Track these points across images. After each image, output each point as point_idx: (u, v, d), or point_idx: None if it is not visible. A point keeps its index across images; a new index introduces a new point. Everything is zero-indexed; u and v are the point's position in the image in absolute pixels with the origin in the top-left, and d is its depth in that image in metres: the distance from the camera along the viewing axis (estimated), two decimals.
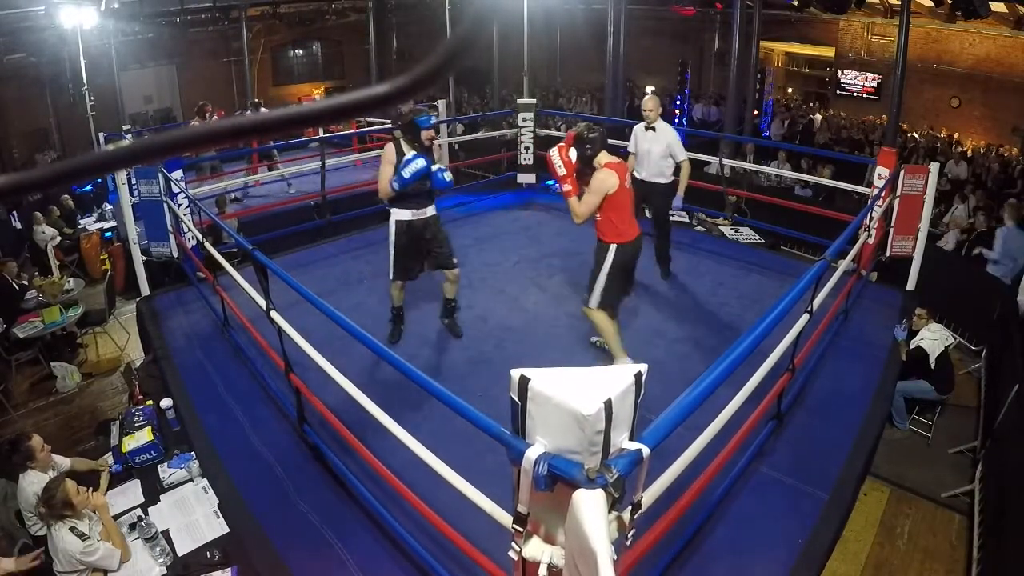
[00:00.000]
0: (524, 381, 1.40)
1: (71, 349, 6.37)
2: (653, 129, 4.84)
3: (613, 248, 3.50)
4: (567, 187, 3.38)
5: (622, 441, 1.42)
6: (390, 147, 3.78)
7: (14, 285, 6.23)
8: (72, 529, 2.62)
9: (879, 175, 5.05)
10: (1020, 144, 11.61)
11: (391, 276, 3.98)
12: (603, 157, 3.43)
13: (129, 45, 13.37)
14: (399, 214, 3.85)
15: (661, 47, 16.46)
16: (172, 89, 15.47)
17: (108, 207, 9.39)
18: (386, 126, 10.85)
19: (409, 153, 3.69)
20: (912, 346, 4.61)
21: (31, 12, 11.05)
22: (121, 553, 2.71)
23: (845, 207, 7.03)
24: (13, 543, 2.92)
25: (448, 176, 3.80)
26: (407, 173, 3.60)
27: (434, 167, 3.72)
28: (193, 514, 2.99)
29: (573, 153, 3.37)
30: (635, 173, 4.84)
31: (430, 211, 3.91)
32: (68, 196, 9.33)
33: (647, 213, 5.05)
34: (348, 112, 0.41)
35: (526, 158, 7.34)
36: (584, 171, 3.39)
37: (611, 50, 10.22)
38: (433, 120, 3.81)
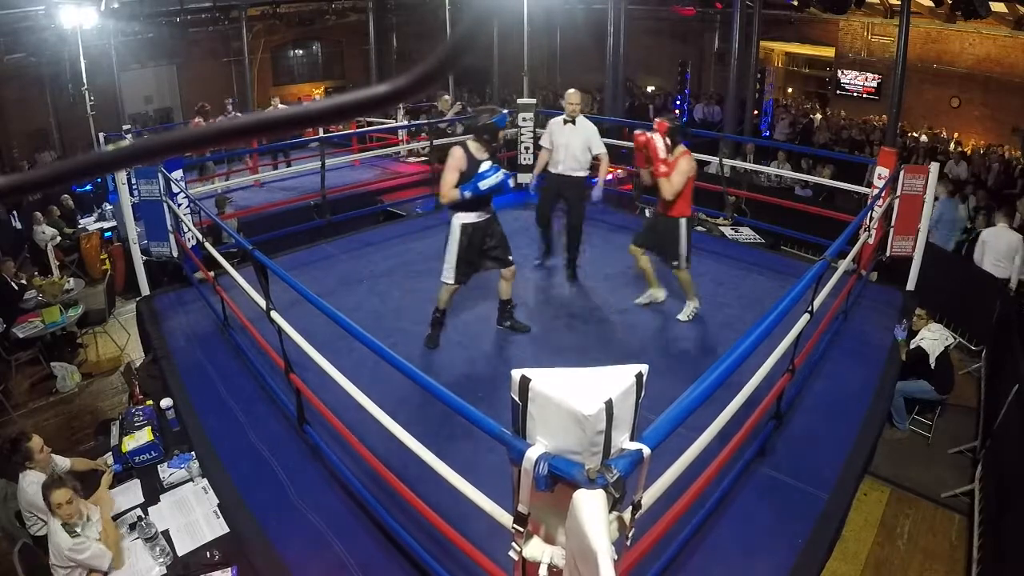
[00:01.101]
0: (525, 381, 1.40)
1: (71, 349, 6.37)
2: (573, 123, 4.87)
3: (685, 221, 4.17)
4: (664, 168, 4.01)
5: (623, 441, 1.42)
6: (459, 152, 3.72)
7: (12, 285, 6.22)
8: (65, 525, 2.62)
9: (879, 175, 5.05)
10: (1020, 144, 11.61)
11: (448, 279, 3.91)
12: (681, 146, 4.11)
13: (129, 45, 13.36)
14: (464, 218, 3.80)
15: (661, 47, 16.46)
16: (172, 89, 15.47)
17: (108, 207, 9.39)
18: (386, 126, 10.88)
19: (484, 163, 3.69)
20: (912, 346, 4.61)
21: (31, 12, 11.04)
22: (113, 559, 2.70)
23: (845, 207, 7.03)
24: (13, 543, 2.92)
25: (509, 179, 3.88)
26: (483, 186, 3.61)
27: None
28: (193, 514, 2.99)
29: (664, 141, 4.00)
30: (550, 168, 4.95)
31: (489, 212, 3.92)
32: (68, 196, 9.33)
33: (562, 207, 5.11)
34: (348, 112, 0.41)
35: (526, 158, 7.34)
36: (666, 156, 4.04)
37: (611, 50, 10.21)
38: (507, 118, 3.87)
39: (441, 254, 3.93)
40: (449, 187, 3.69)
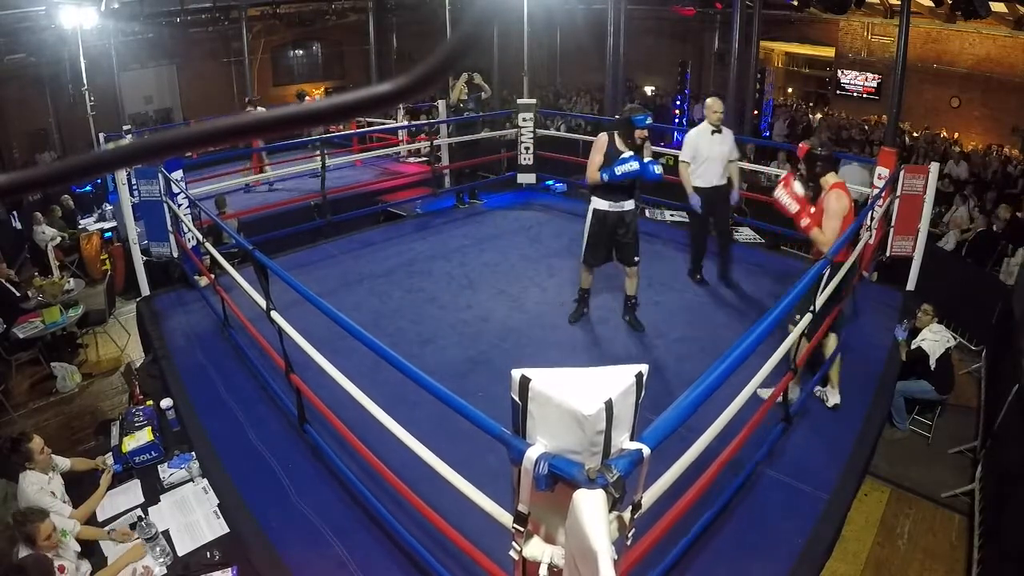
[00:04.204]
0: (525, 381, 1.40)
1: (71, 349, 6.37)
2: (719, 131, 4.68)
3: (837, 267, 3.27)
4: (805, 221, 3.33)
5: (623, 441, 1.42)
6: (603, 137, 4.00)
7: (8, 286, 6.21)
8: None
9: (879, 175, 5.05)
10: (1020, 144, 11.61)
11: (582, 259, 4.19)
12: (830, 177, 3.37)
13: (129, 45, 13.37)
14: (598, 203, 4.03)
15: (661, 47, 16.46)
16: (172, 89, 15.47)
17: (108, 207, 9.39)
18: (387, 126, 10.87)
19: (624, 151, 3.89)
20: (913, 346, 4.61)
21: (31, 12, 11.05)
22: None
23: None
24: (13, 543, 2.92)
25: (659, 169, 3.93)
26: (619, 171, 3.81)
27: (645, 159, 3.88)
28: (193, 514, 2.99)
29: (798, 186, 3.39)
30: (696, 182, 4.67)
31: (628, 205, 4.05)
32: (68, 196, 9.33)
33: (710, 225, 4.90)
34: (349, 112, 0.41)
35: (526, 158, 7.34)
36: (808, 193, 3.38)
37: (611, 50, 10.20)
38: (648, 120, 3.93)
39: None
40: (594, 168, 3.94)
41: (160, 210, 4.94)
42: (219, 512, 2.97)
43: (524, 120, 7.21)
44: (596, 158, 3.95)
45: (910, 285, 4.99)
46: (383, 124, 10.97)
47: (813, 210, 3.37)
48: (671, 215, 6.65)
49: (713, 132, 4.66)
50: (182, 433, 3.55)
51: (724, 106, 4.79)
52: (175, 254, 5.10)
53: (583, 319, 4.50)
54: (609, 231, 4.04)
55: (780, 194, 3.44)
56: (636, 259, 4.15)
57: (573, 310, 4.46)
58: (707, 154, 4.66)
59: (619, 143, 3.95)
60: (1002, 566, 3.31)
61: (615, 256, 4.16)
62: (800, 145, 3.56)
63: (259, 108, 9.42)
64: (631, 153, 3.85)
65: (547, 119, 12.62)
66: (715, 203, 4.77)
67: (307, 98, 13.73)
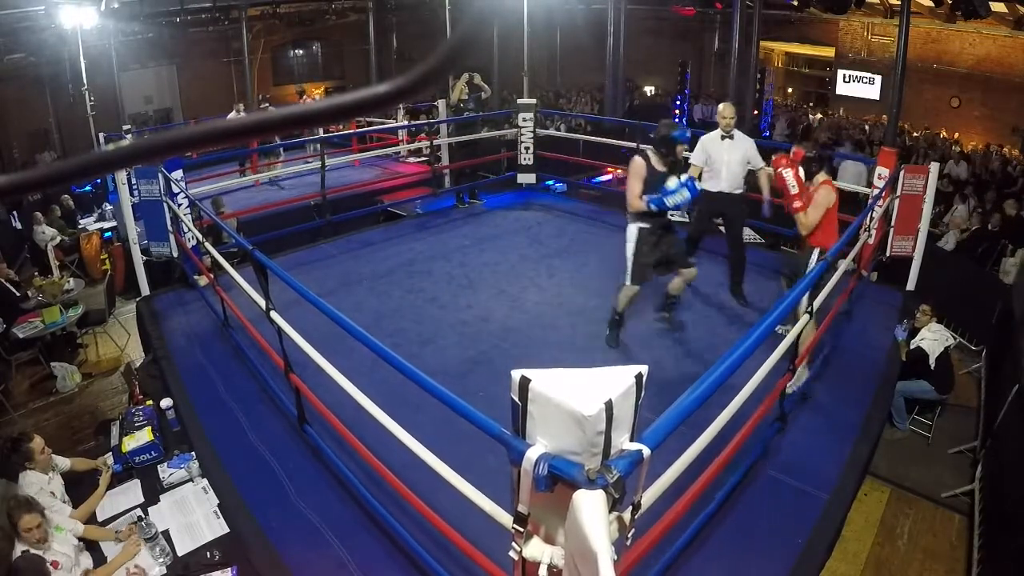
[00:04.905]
0: (525, 382, 1.40)
1: (71, 349, 6.36)
2: (731, 137, 4.61)
3: (818, 252, 3.65)
4: (798, 204, 3.71)
5: (622, 442, 1.42)
6: (638, 161, 3.80)
7: (8, 286, 6.21)
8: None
9: (879, 175, 5.05)
10: (1020, 144, 11.61)
11: (629, 281, 3.95)
12: (820, 176, 3.78)
13: (129, 45, 13.37)
14: (640, 223, 3.86)
15: (661, 47, 16.47)
16: (172, 89, 15.47)
17: (108, 207, 9.39)
18: (387, 126, 10.88)
19: (670, 178, 3.71)
20: (912, 346, 4.61)
21: (31, 12, 11.05)
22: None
23: (845, 207, 7.02)
24: (12, 543, 2.92)
25: (698, 185, 3.88)
26: (670, 202, 3.67)
27: (682, 177, 3.77)
28: (193, 514, 2.99)
29: (801, 172, 3.74)
30: (705, 186, 4.55)
31: (665, 217, 3.94)
32: (68, 196, 9.33)
33: (720, 228, 4.82)
34: (348, 112, 0.41)
35: (526, 158, 7.34)
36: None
37: (611, 50, 10.23)
38: (688, 134, 3.84)
39: (621, 258, 3.98)
40: (635, 196, 3.76)
41: (160, 210, 4.94)
42: (219, 512, 2.97)
43: (524, 120, 7.21)
44: (636, 186, 3.77)
45: (910, 285, 4.99)
46: (383, 124, 10.97)
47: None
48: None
49: (723, 138, 4.61)
50: (182, 433, 3.55)
51: (735, 111, 4.69)
52: (175, 254, 5.10)
53: (584, 319, 4.50)
54: (655, 246, 3.91)
55: (787, 174, 3.70)
56: (692, 261, 4.08)
57: (609, 334, 4.16)
58: (716, 158, 4.60)
59: (657, 163, 3.78)
60: (1002, 566, 3.31)
61: (665, 270, 4.02)
62: (795, 149, 3.85)
63: (271, 108, 9.47)
64: (677, 180, 3.70)
65: (547, 119, 12.61)
66: (722, 210, 4.70)
67: (305, 97, 13.78)
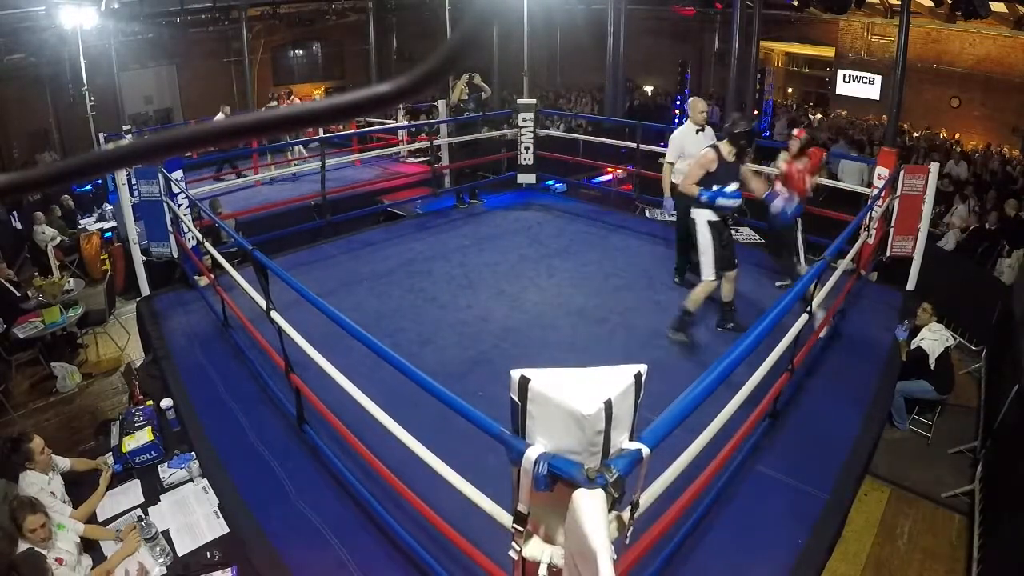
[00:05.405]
0: (524, 381, 1.40)
1: (71, 349, 6.37)
2: (703, 130, 4.70)
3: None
4: (810, 186, 4.48)
5: (622, 441, 1.42)
6: (712, 154, 3.86)
7: (8, 286, 6.21)
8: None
9: (879, 175, 5.05)
10: (1020, 144, 11.60)
11: (710, 276, 3.97)
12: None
13: (129, 45, 13.37)
14: (708, 215, 3.92)
15: (661, 47, 16.46)
16: (172, 89, 15.47)
17: (108, 207, 9.40)
18: (387, 126, 10.87)
19: (732, 183, 3.80)
20: (912, 346, 4.61)
21: (31, 12, 11.05)
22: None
23: (845, 207, 7.02)
24: (13, 543, 2.92)
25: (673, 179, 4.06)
26: (722, 202, 3.78)
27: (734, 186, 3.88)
28: (193, 514, 2.99)
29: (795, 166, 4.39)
30: (675, 180, 4.67)
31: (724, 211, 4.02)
32: (68, 196, 9.33)
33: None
34: (349, 112, 0.41)
35: (526, 158, 7.34)
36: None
37: (611, 50, 10.23)
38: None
39: (697, 251, 4.04)
40: (692, 181, 3.86)
41: (160, 210, 4.94)
42: (219, 512, 2.97)
43: (524, 120, 7.21)
44: (697, 171, 3.84)
45: (910, 285, 4.99)
46: (383, 124, 10.97)
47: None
48: (670, 216, 6.64)
49: (697, 131, 4.66)
50: (182, 433, 3.55)
51: (707, 104, 4.81)
52: (175, 254, 5.10)
53: (584, 319, 4.50)
54: (724, 232, 3.97)
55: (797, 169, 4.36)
56: (736, 261, 4.12)
57: (681, 335, 4.12)
58: (692, 154, 4.57)
59: (728, 155, 3.85)
60: (1002, 566, 3.31)
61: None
62: (798, 130, 4.26)
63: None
64: (735, 187, 3.80)
65: (547, 119, 12.61)
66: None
67: (293, 98, 13.78)
